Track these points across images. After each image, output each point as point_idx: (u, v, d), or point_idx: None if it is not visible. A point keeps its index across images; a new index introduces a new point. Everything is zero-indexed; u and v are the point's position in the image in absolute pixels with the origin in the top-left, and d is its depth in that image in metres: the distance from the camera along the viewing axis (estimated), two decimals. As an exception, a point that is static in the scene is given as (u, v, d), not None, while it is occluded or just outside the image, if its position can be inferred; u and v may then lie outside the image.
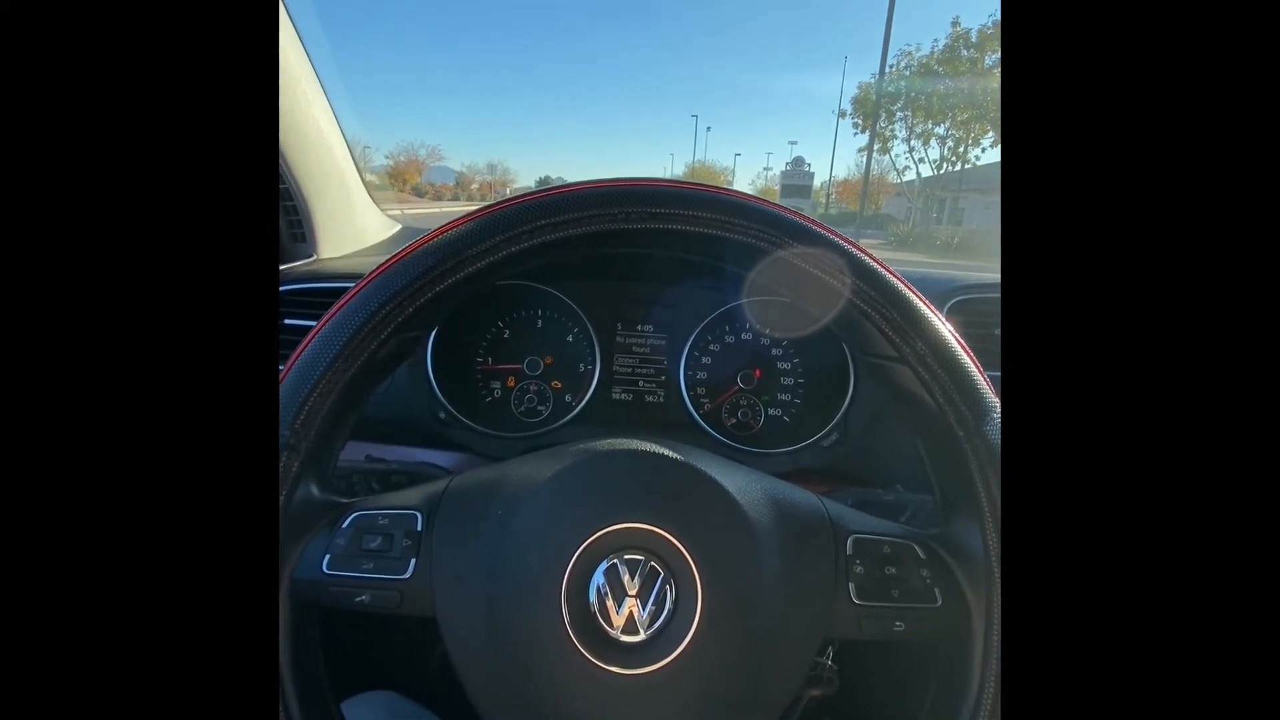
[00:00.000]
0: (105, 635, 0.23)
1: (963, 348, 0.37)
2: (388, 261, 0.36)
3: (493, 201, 0.38)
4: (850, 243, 0.37)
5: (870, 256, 0.37)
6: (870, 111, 21.82)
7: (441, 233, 0.37)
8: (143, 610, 0.24)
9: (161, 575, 0.24)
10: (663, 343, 0.78)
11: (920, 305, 0.37)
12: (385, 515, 0.39)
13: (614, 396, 0.78)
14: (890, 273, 0.37)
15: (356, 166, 0.92)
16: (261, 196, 0.27)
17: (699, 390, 0.77)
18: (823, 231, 0.37)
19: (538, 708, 0.34)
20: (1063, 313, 0.26)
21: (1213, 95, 0.24)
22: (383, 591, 0.37)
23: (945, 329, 0.37)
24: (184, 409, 0.25)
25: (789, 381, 0.77)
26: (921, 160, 22.12)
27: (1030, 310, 0.27)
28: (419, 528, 0.38)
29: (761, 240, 0.37)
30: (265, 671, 0.26)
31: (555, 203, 0.36)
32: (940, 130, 21.26)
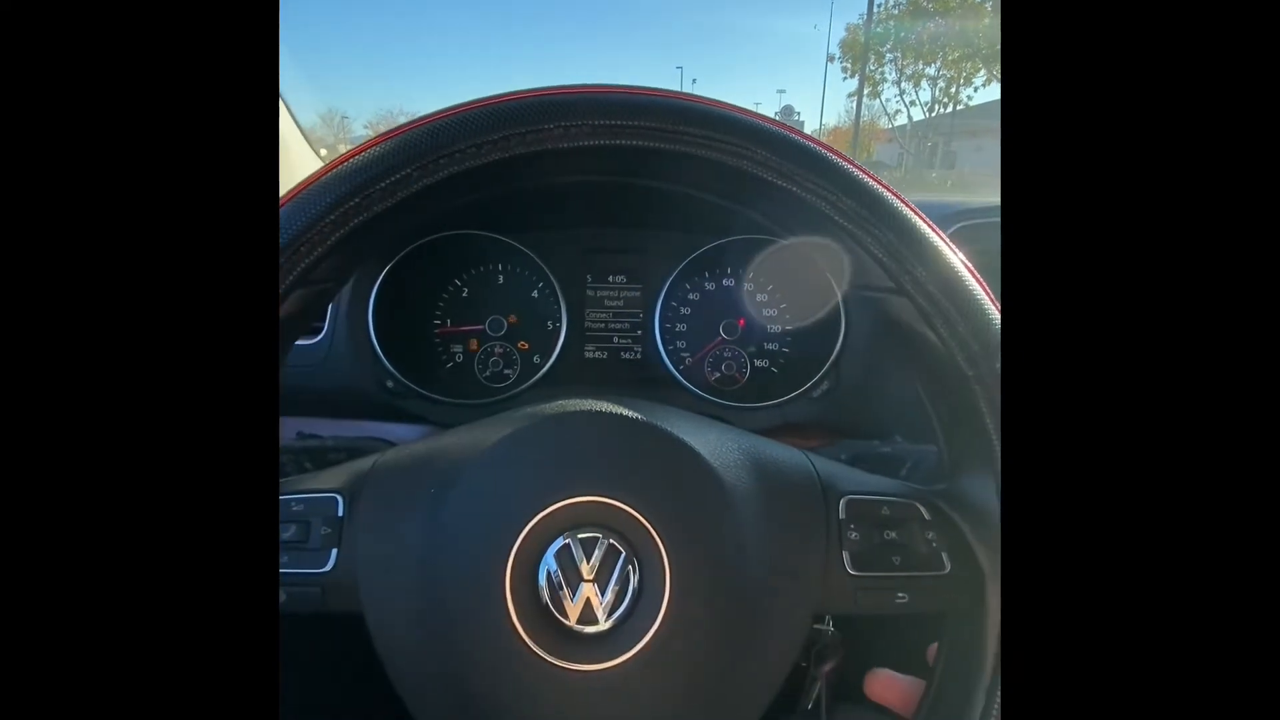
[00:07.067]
0: (100, 640, 0.22)
1: (970, 272, 0.31)
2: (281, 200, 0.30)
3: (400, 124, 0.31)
4: (837, 153, 0.31)
5: (861, 169, 0.31)
6: (859, 54, 21.31)
7: (341, 162, 0.30)
8: (138, 615, 0.22)
9: (151, 578, 0.23)
10: (637, 294, 0.72)
11: (918, 223, 0.30)
12: (300, 500, 0.34)
13: (587, 355, 0.72)
14: (883, 186, 0.31)
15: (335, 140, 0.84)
16: (262, 195, 0.26)
17: (678, 344, 0.71)
18: (804, 140, 0.31)
19: (481, 713, 0.30)
20: (1066, 247, 0.24)
21: (1214, 91, 0.22)
22: (302, 588, 0.32)
23: (949, 251, 0.31)
24: (181, 408, 0.24)
25: (776, 329, 0.71)
26: (913, 103, 21.83)
27: (1033, 245, 0.24)
28: (340, 513, 0.33)
29: (730, 155, 0.30)
30: (265, 677, 0.24)
31: (475, 119, 0.30)
32: (931, 71, 20.88)
